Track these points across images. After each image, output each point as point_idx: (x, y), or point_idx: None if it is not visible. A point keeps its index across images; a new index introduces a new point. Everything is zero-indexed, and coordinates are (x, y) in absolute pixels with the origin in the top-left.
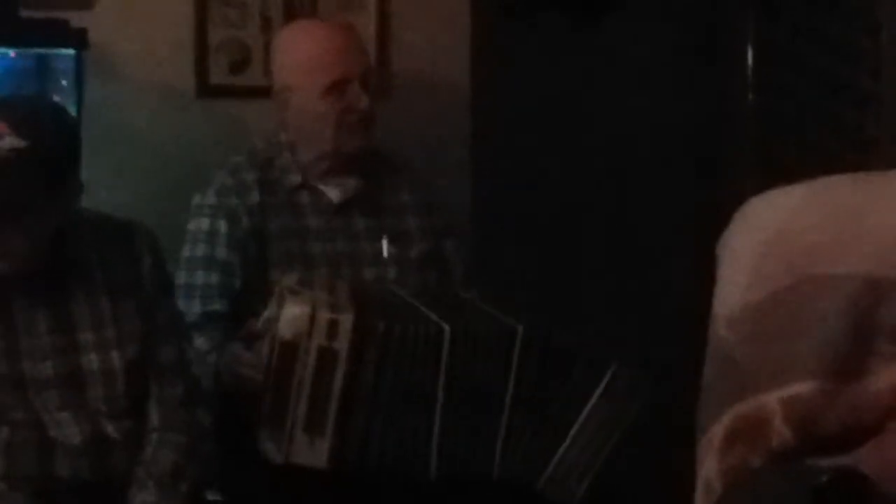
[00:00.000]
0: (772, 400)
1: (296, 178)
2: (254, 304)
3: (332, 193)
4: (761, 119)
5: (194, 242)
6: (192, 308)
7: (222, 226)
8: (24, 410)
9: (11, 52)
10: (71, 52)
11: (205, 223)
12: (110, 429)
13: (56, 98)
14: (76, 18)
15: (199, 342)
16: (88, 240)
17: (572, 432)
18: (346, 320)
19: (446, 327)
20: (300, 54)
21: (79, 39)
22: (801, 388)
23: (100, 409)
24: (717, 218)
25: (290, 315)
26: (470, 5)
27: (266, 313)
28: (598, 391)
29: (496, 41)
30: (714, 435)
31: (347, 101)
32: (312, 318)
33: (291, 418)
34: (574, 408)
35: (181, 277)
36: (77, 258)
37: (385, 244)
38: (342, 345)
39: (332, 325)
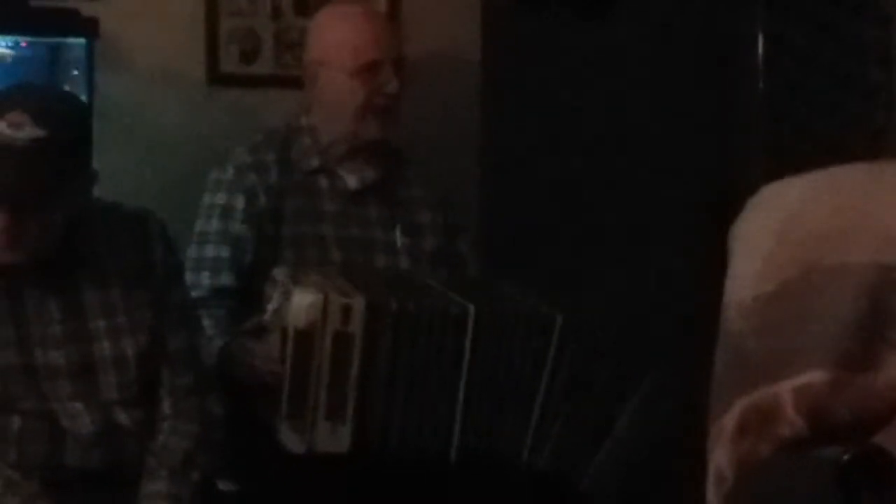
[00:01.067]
0: (784, 389)
1: (314, 162)
2: (265, 283)
3: (350, 180)
4: (771, 110)
5: (209, 217)
6: (200, 281)
7: (240, 201)
8: (35, 400)
9: (22, 41)
10: (82, 41)
11: (222, 197)
12: (121, 418)
13: (67, 87)
14: (87, 7)
15: (205, 324)
16: (99, 229)
17: (612, 430)
18: (359, 303)
19: (471, 307)
20: (337, 33)
21: (90, 28)
22: (812, 377)
23: (111, 397)
24: (728, 209)
25: (303, 303)
26: None
27: (272, 305)
28: (636, 392)
29: (507, 32)
30: (725, 424)
31: (378, 83)
32: (326, 305)
33: (312, 407)
34: (609, 406)
35: (192, 251)
36: (88, 248)
37: (398, 234)
38: (356, 328)
39: (346, 310)
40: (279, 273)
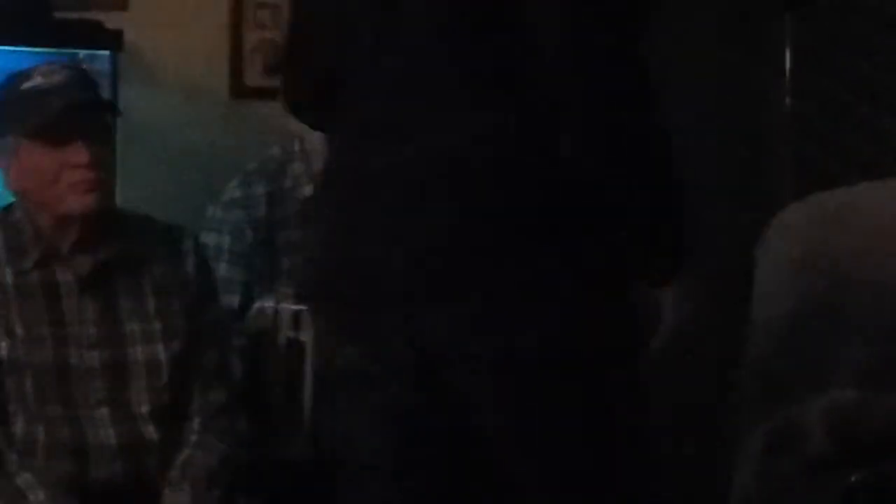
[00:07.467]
0: (811, 408)
1: (308, 189)
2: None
3: None
4: (799, 125)
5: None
6: None
7: (226, 241)
8: (63, 405)
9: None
10: (106, 53)
11: (212, 238)
12: (147, 431)
13: None
14: (111, 20)
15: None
16: (136, 238)
17: None
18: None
19: None
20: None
21: (114, 41)
22: (840, 396)
23: (141, 404)
24: (755, 224)
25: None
26: None
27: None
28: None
29: None
30: (752, 442)
31: None
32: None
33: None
34: None
35: None
36: (124, 255)
37: None
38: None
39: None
40: None
